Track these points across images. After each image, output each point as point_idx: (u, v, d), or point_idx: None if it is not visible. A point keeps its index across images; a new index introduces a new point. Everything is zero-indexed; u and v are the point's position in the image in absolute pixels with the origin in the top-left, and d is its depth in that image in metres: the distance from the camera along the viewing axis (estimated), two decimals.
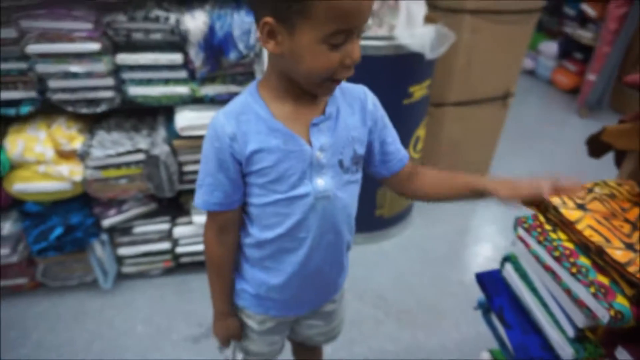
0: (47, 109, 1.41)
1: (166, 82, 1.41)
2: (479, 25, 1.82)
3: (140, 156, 1.44)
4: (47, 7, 1.23)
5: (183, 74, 1.40)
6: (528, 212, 0.70)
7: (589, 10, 3.24)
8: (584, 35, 3.30)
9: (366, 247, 1.92)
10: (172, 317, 1.57)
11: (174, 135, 1.46)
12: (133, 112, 1.60)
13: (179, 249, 1.67)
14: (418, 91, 1.64)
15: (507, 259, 0.77)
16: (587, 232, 0.60)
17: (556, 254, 0.61)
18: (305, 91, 0.67)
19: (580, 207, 0.65)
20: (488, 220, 2.16)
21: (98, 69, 1.32)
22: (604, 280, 0.56)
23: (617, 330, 0.56)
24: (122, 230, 1.60)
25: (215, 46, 1.34)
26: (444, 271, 1.81)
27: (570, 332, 0.62)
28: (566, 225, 0.63)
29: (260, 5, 0.62)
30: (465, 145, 2.15)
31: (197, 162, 1.51)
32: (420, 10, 1.49)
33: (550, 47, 3.57)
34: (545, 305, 0.67)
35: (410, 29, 1.49)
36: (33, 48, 1.26)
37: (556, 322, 0.65)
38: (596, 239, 0.58)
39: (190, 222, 1.62)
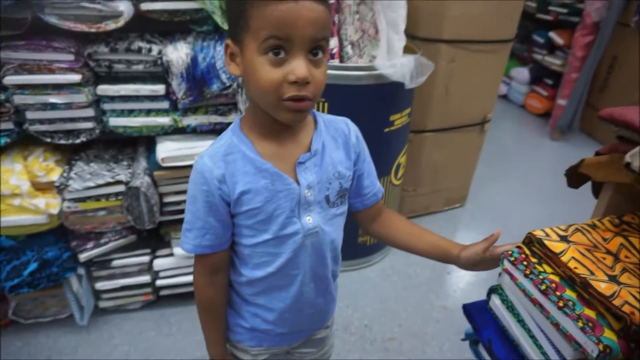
0: (23, 140, 1.37)
1: (148, 112, 1.40)
2: (456, 54, 1.88)
3: (120, 188, 1.41)
4: (27, 38, 1.22)
5: (165, 104, 1.39)
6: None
7: (556, 38, 3.38)
8: (553, 62, 3.43)
9: (350, 274, 1.91)
10: (151, 353, 1.52)
11: (155, 166, 1.44)
12: (113, 143, 1.58)
13: (160, 282, 1.62)
14: (399, 119, 1.67)
15: (493, 290, 0.78)
16: (572, 264, 0.61)
17: (543, 287, 0.62)
18: (284, 125, 0.67)
19: (563, 238, 0.66)
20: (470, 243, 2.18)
21: (78, 99, 1.31)
22: (590, 313, 0.57)
23: None
24: (100, 263, 1.55)
25: (198, 77, 1.34)
26: (427, 297, 1.81)
27: None
28: (550, 258, 0.64)
29: (228, 29, 0.66)
30: (445, 170, 2.18)
31: (178, 192, 1.49)
32: (400, 40, 1.53)
33: (521, 73, 3.70)
34: (533, 337, 0.67)
35: (391, 59, 1.52)
36: (11, 79, 1.23)
37: (544, 354, 0.65)
38: (581, 271, 0.60)
39: (171, 254, 1.59)
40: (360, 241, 1.87)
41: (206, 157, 0.69)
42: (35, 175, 1.37)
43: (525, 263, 0.65)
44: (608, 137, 3.14)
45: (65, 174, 1.40)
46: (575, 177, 0.80)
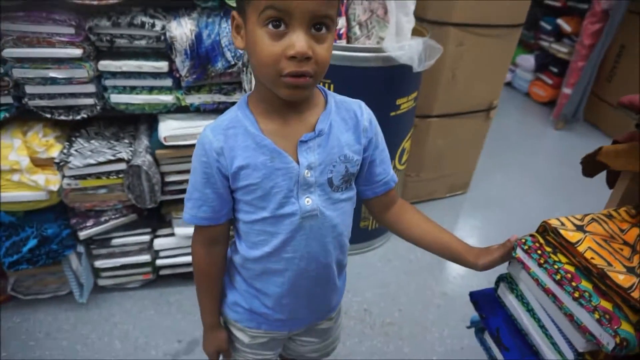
0: (22, 115, 1.35)
1: (150, 89, 1.37)
2: (464, 38, 1.84)
3: (121, 166, 1.39)
4: (27, 9, 1.18)
5: (168, 82, 1.36)
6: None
7: (564, 25, 3.34)
8: (560, 49, 3.39)
9: (351, 258, 1.90)
10: (151, 332, 1.51)
11: (157, 145, 1.41)
12: (114, 120, 1.55)
13: (160, 261, 1.62)
14: (405, 103, 1.64)
15: (502, 278, 0.77)
16: (589, 255, 0.59)
17: (557, 277, 0.60)
18: (289, 103, 0.66)
19: (579, 228, 0.65)
20: (470, 231, 2.18)
21: (79, 74, 1.27)
22: (607, 305, 0.56)
23: (620, 357, 0.56)
24: (100, 241, 1.54)
25: (202, 55, 1.31)
26: (428, 282, 1.81)
27: (570, 356, 0.61)
28: (566, 248, 0.63)
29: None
30: (449, 156, 2.16)
31: (180, 172, 1.47)
32: (409, 22, 1.49)
33: (527, 61, 3.66)
34: (543, 327, 0.66)
35: (399, 41, 1.49)
36: (10, 52, 1.20)
37: (555, 345, 0.64)
38: (598, 262, 0.58)
39: (172, 234, 1.58)
40: (362, 225, 1.86)
41: (208, 130, 0.69)
42: (35, 151, 1.35)
43: (539, 252, 0.64)
44: (613, 127, 3.12)
45: (65, 151, 1.38)
46: (591, 165, 0.78)
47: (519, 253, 0.67)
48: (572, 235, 0.62)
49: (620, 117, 3.07)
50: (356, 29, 1.54)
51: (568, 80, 3.17)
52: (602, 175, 0.83)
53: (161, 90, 1.38)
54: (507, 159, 2.81)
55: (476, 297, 0.82)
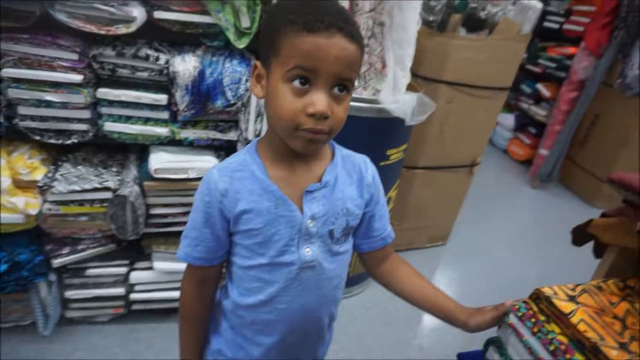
0: (10, 135, 1.31)
1: (146, 120, 1.37)
2: (454, 96, 1.92)
3: (106, 194, 1.36)
4: (32, 32, 1.18)
5: (165, 114, 1.36)
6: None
7: (543, 90, 3.52)
8: (538, 112, 3.55)
9: None
10: None
11: (146, 176, 1.40)
12: (103, 147, 1.53)
13: (134, 295, 1.56)
14: (395, 154, 1.68)
15: (491, 342, 0.77)
16: (582, 327, 0.60)
17: (551, 347, 0.61)
18: (298, 154, 0.67)
19: (572, 298, 0.66)
20: (448, 282, 2.18)
21: (76, 100, 1.26)
22: None
23: None
24: (74, 271, 1.47)
25: (203, 91, 1.32)
26: (405, 334, 1.79)
27: None
28: (559, 318, 0.64)
29: (259, 51, 0.66)
30: (431, 208, 2.20)
31: (166, 205, 1.44)
32: (405, 77, 1.55)
33: (507, 120, 3.81)
34: None
35: (395, 94, 1.54)
36: (8, 72, 1.18)
37: None
38: (591, 335, 0.60)
39: (150, 267, 1.53)
40: None
41: (215, 170, 0.69)
42: (18, 172, 1.31)
43: (533, 320, 0.65)
44: (585, 190, 3.25)
45: (50, 174, 1.34)
46: (580, 235, 0.81)
47: (512, 319, 0.68)
48: (565, 306, 0.64)
49: (592, 182, 3.21)
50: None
51: (545, 142, 3.31)
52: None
53: (157, 122, 1.38)
54: (486, 213, 2.87)
55: (464, 359, 0.82)
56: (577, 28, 3.18)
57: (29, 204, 1.31)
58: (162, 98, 1.32)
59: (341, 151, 0.75)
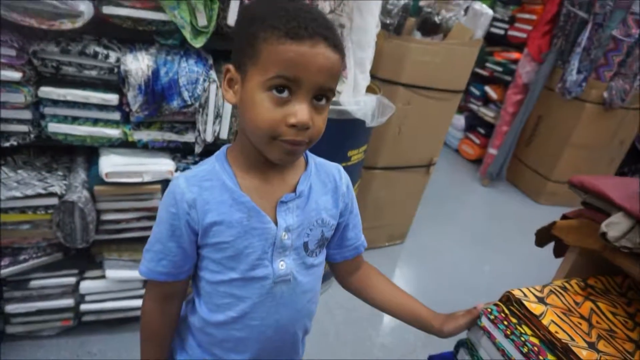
0: None
1: (95, 121, 1.28)
2: (411, 98, 1.95)
3: (52, 200, 1.26)
4: None
5: (116, 115, 1.29)
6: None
7: (491, 92, 3.67)
8: (487, 113, 3.70)
9: None
10: None
11: (96, 180, 1.31)
12: (46, 149, 1.42)
13: (84, 306, 1.46)
14: (355, 155, 1.68)
15: (462, 344, 0.78)
16: (553, 328, 0.62)
17: (524, 349, 0.62)
18: (271, 163, 0.64)
19: (540, 300, 0.68)
20: (407, 281, 2.22)
21: (14, 99, 1.16)
22: None
23: None
24: (16, 283, 1.36)
25: (158, 92, 1.26)
26: (368, 333, 1.81)
27: None
28: (530, 320, 0.65)
29: (231, 53, 0.63)
30: (390, 207, 2.23)
31: (119, 210, 1.36)
32: (365, 80, 1.56)
33: (458, 120, 3.95)
34: None
35: (355, 96, 1.54)
36: None
37: None
38: (562, 336, 0.61)
39: (102, 276, 1.44)
40: None
41: (181, 179, 0.65)
42: None
43: (505, 323, 0.66)
44: (529, 188, 3.43)
45: None
46: (544, 236, 0.84)
47: (485, 322, 0.69)
48: (535, 308, 0.65)
49: (536, 179, 3.39)
50: None
51: (493, 142, 3.46)
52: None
53: (107, 123, 1.30)
54: (441, 211, 2.95)
55: None
56: (520, 35, 3.34)
57: None
58: (112, 98, 1.25)
59: (314, 159, 0.73)
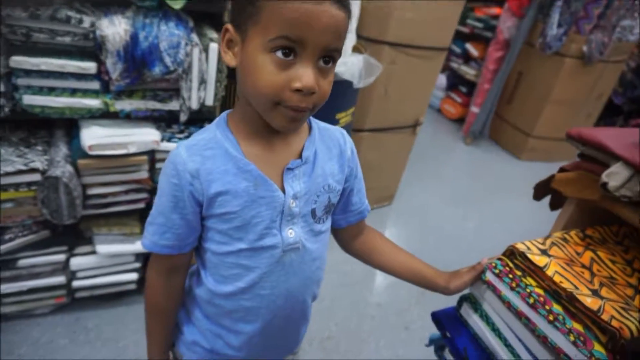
0: None
1: (73, 92, 1.22)
2: (396, 56, 1.91)
3: (34, 177, 1.21)
4: None
5: (95, 84, 1.22)
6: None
7: (472, 49, 3.64)
8: (468, 71, 3.69)
9: None
10: None
11: (79, 154, 1.26)
12: (22, 123, 1.35)
13: (76, 283, 1.44)
14: (344, 118, 1.66)
15: (465, 298, 0.79)
16: (557, 278, 0.64)
17: (531, 300, 0.64)
18: (274, 129, 0.61)
19: (544, 252, 0.69)
20: (397, 241, 2.26)
21: None
22: (579, 327, 0.60)
23: None
24: (4, 263, 1.33)
25: (138, 58, 1.19)
26: (362, 294, 1.84)
27: None
28: (534, 272, 0.66)
29: (229, 13, 0.59)
30: (377, 169, 2.23)
31: (105, 184, 1.32)
32: (351, 40, 1.51)
33: (440, 79, 3.92)
34: (509, 346, 0.70)
35: (342, 56, 1.50)
36: None
37: None
38: (566, 285, 0.63)
39: (92, 252, 1.41)
40: None
41: (182, 148, 0.62)
42: None
43: (510, 276, 0.67)
44: (511, 145, 3.48)
45: None
46: (542, 190, 0.85)
47: (489, 276, 0.70)
48: (539, 260, 0.66)
49: (518, 136, 3.43)
50: None
51: (475, 100, 3.46)
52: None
53: (85, 93, 1.24)
54: (426, 171, 2.98)
55: (439, 317, 0.84)
56: None
57: None
58: (90, 66, 1.18)
59: (317, 124, 0.70)
